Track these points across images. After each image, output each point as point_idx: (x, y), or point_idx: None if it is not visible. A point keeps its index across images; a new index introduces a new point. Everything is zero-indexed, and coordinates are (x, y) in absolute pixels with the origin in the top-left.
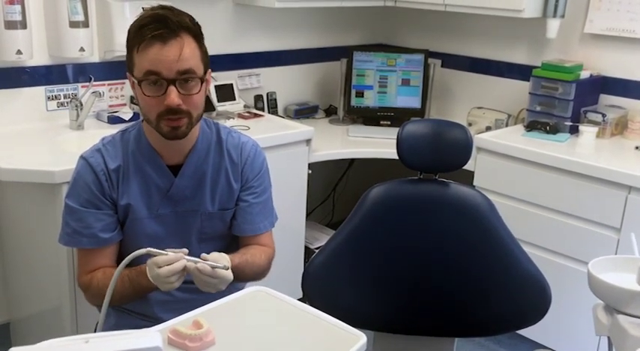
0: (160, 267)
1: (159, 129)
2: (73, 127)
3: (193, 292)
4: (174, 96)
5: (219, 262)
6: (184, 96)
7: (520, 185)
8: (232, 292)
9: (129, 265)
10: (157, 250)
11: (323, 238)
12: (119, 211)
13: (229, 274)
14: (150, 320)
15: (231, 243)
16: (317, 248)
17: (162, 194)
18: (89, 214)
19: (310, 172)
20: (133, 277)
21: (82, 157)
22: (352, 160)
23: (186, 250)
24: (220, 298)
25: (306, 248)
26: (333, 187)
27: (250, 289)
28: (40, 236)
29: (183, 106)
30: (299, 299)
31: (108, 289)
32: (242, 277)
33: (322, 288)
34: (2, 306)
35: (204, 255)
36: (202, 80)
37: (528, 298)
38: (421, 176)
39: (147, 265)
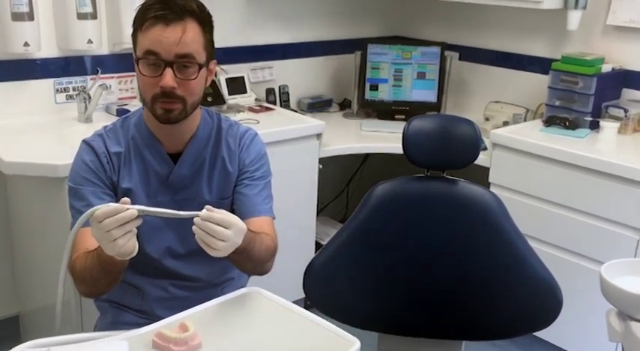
0: (102, 221)
1: (153, 111)
2: (81, 119)
3: (192, 290)
4: (169, 78)
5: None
6: (180, 80)
7: (537, 182)
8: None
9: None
10: (106, 205)
11: (334, 233)
12: (119, 195)
13: (241, 223)
14: (147, 317)
15: None
16: None
17: (161, 181)
18: (89, 192)
19: (321, 166)
20: (99, 251)
21: (83, 141)
22: (367, 154)
23: (128, 200)
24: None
25: (318, 244)
26: (347, 182)
27: (243, 290)
28: (47, 230)
29: (178, 91)
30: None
31: (64, 252)
32: (252, 254)
33: (324, 288)
34: (11, 299)
35: (208, 207)
36: (201, 67)
37: (538, 302)
38: (428, 173)
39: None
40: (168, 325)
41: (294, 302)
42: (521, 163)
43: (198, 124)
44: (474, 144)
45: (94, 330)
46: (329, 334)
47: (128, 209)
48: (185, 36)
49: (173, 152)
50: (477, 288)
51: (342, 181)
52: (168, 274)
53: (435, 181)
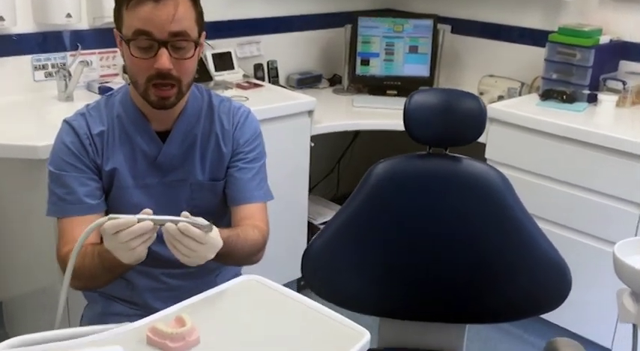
0: (117, 232)
1: (146, 97)
2: (61, 98)
3: (186, 279)
4: (165, 59)
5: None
6: (176, 60)
7: (535, 158)
8: (221, 280)
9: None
10: (121, 215)
11: (327, 213)
12: (104, 178)
13: (218, 239)
14: (139, 309)
15: (224, 221)
16: (321, 224)
17: (148, 162)
18: (72, 178)
19: (313, 144)
20: (102, 251)
21: (64, 121)
22: (357, 131)
23: (150, 211)
24: (213, 285)
25: (310, 224)
26: (337, 159)
27: (241, 279)
28: (29, 214)
29: (174, 72)
30: (302, 278)
31: (69, 260)
32: (233, 255)
33: (323, 272)
34: None
35: (185, 213)
36: (197, 45)
37: (546, 283)
38: (430, 151)
39: (102, 236)
40: (162, 318)
41: (286, 284)
42: (518, 138)
43: (187, 101)
44: (479, 119)
45: (81, 320)
46: (336, 325)
47: (139, 220)
48: (178, 12)
49: (161, 130)
50: (483, 269)
51: (332, 159)
52: (159, 262)
53: (437, 159)
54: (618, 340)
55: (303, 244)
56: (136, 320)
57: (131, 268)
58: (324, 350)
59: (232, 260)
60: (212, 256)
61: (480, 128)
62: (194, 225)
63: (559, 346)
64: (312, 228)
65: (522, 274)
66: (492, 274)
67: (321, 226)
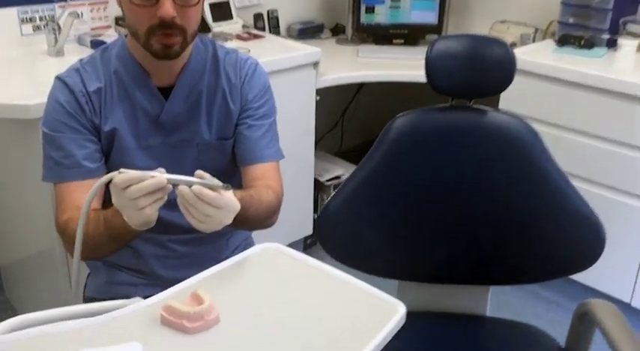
0: (128, 187)
1: (148, 47)
2: (51, 53)
3: (195, 245)
4: (168, 6)
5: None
6: (180, 7)
7: (551, 107)
8: (232, 244)
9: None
10: (133, 171)
11: (333, 169)
12: (103, 139)
13: (235, 203)
14: (146, 278)
15: (234, 183)
16: (327, 180)
17: (151, 121)
18: (69, 140)
19: (318, 98)
20: (108, 217)
21: (57, 78)
22: (361, 83)
23: (163, 170)
24: (224, 251)
25: (316, 181)
26: (341, 113)
27: (260, 248)
28: (24, 177)
29: (178, 20)
30: (309, 236)
31: (77, 229)
32: (248, 219)
33: (340, 235)
34: None
35: (200, 172)
36: None
37: (579, 241)
38: (453, 103)
39: (111, 191)
40: (176, 294)
41: (293, 243)
42: (534, 88)
43: (190, 54)
44: (507, 68)
45: (85, 290)
46: (368, 298)
47: (154, 177)
48: None
49: (163, 86)
50: (510, 228)
51: (336, 112)
52: (165, 228)
53: (461, 112)
54: (638, 295)
55: (310, 203)
56: (143, 289)
57: (138, 236)
58: (358, 326)
59: (247, 224)
60: (229, 221)
61: (508, 78)
62: (209, 187)
63: (594, 309)
64: (318, 185)
65: (552, 232)
66: (519, 233)
67: (328, 183)
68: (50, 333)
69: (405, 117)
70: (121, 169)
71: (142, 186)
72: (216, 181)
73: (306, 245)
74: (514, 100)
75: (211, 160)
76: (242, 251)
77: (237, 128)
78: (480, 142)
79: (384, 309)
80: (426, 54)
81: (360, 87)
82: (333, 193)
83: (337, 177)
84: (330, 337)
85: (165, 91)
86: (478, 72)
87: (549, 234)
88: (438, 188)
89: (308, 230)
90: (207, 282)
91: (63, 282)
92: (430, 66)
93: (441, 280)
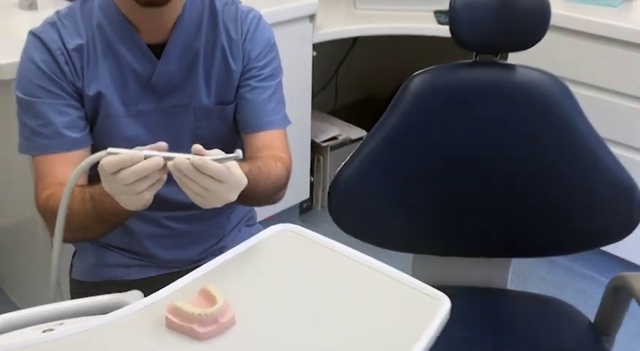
0: (119, 171)
1: None
2: (23, 6)
3: (193, 222)
4: None
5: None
6: None
7: (564, 61)
8: (234, 220)
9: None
10: (123, 150)
11: (329, 129)
12: (87, 105)
13: (241, 176)
14: (140, 258)
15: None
16: (324, 142)
17: (141, 83)
18: (47, 106)
19: (315, 54)
20: (95, 195)
21: (31, 33)
22: (356, 37)
23: (164, 144)
24: (226, 228)
25: (312, 142)
26: (335, 69)
27: (274, 230)
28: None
29: None
30: (305, 201)
31: (60, 207)
32: (255, 194)
33: (353, 206)
34: None
35: (197, 147)
36: None
37: (613, 209)
38: (477, 58)
39: (100, 176)
40: (182, 291)
41: (290, 208)
42: (545, 39)
43: (184, 5)
44: (542, 18)
45: (71, 272)
46: (406, 289)
47: (148, 157)
48: None
49: (155, 43)
50: (539, 196)
51: (329, 69)
52: (160, 204)
53: (486, 68)
54: None
55: (306, 166)
56: (137, 271)
57: (131, 216)
58: (400, 325)
59: (253, 200)
60: (234, 197)
61: (542, 29)
62: (217, 159)
63: (632, 282)
64: (314, 147)
65: (585, 200)
66: (550, 200)
67: (324, 145)
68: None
69: (423, 75)
70: (110, 149)
71: (136, 169)
72: (220, 154)
73: (302, 209)
74: (524, 53)
75: (210, 128)
76: (244, 227)
77: (239, 91)
78: (508, 101)
79: (427, 303)
80: (450, 4)
81: (354, 41)
82: (345, 161)
83: (334, 137)
84: (368, 339)
85: (157, 49)
86: (509, 22)
87: (582, 202)
88: (460, 153)
89: (304, 194)
90: (217, 274)
91: (46, 262)
92: (455, 17)
93: (461, 252)
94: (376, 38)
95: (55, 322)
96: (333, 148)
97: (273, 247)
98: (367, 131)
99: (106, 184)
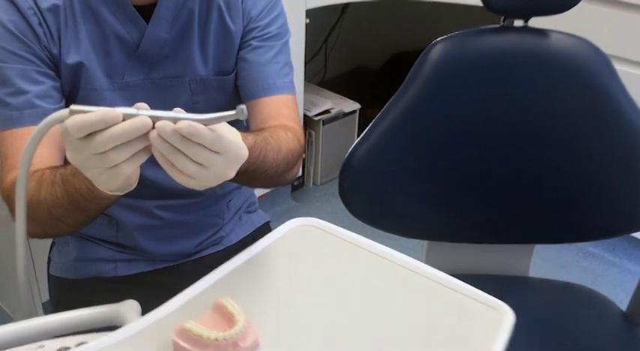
0: (90, 136)
1: None
2: None
3: (187, 211)
4: None
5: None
6: None
7: (598, 34)
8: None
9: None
10: (92, 107)
11: (321, 101)
12: (64, 76)
13: (240, 145)
14: (129, 253)
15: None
16: (316, 115)
17: (128, 51)
18: (16, 72)
19: (308, 21)
20: (67, 177)
21: None
22: (345, 4)
23: (145, 104)
24: (225, 217)
25: (304, 117)
26: (324, 38)
27: (293, 225)
28: None
29: None
30: (297, 179)
31: (16, 196)
32: (262, 171)
33: (366, 188)
34: None
35: (179, 110)
36: None
37: None
38: (504, 23)
39: (65, 143)
40: (190, 305)
41: (278, 187)
42: (579, 7)
43: None
44: None
45: (49, 268)
46: (459, 298)
47: (132, 115)
48: None
49: (142, 4)
50: (569, 176)
51: (318, 37)
52: (151, 191)
53: (515, 33)
54: None
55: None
56: (125, 267)
57: (113, 203)
58: (457, 341)
59: (259, 180)
60: (232, 173)
61: None
62: (206, 120)
63: None
64: (306, 120)
65: (622, 179)
66: (582, 181)
67: (317, 119)
68: None
69: (445, 42)
70: (72, 106)
71: (115, 132)
72: (223, 113)
73: (293, 187)
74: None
75: (208, 102)
76: (245, 213)
77: (240, 54)
78: (540, 70)
79: (488, 313)
80: None
81: (344, 8)
82: (356, 140)
83: (327, 111)
84: None
85: (145, 11)
86: None
87: (618, 183)
88: (485, 128)
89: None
90: (231, 283)
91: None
92: None
93: (482, 240)
94: (368, 5)
95: (35, 345)
96: (325, 122)
97: (294, 246)
98: (360, 104)
99: (71, 154)
